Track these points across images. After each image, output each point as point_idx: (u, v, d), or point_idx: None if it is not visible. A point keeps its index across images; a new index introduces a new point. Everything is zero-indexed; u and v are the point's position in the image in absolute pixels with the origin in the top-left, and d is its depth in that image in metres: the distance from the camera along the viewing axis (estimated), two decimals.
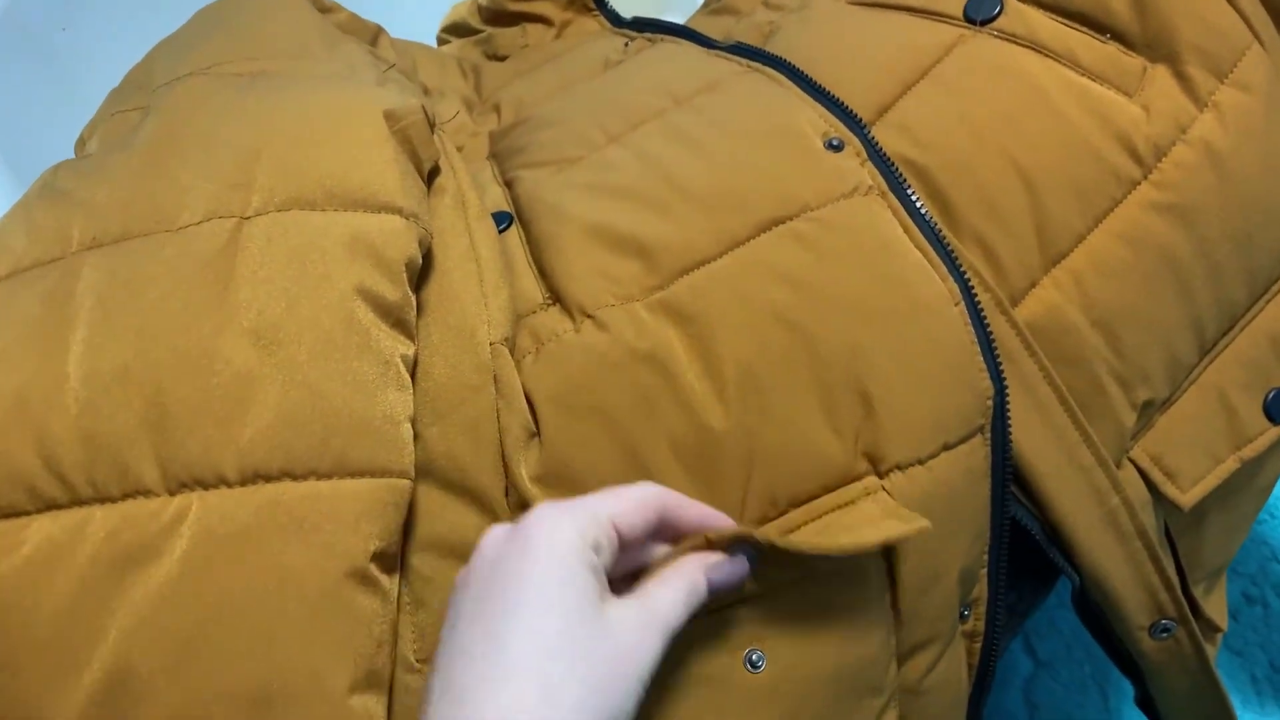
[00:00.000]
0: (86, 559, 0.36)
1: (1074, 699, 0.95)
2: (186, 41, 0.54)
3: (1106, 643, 0.57)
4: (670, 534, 0.40)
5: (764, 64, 0.54)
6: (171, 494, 0.37)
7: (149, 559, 0.36)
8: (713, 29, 0.64)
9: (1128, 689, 0.95)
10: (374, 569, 0.37)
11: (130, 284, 0.40)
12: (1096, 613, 0.54)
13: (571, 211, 0.48)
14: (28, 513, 0.37)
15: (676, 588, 0.37)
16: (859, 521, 0.43)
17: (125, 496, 0.37)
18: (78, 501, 0.37)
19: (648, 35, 0.64)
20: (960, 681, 0.51)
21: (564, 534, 0.35)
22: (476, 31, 0.75)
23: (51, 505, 0.37)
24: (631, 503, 0.37)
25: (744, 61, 0.54)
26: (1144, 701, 0.64)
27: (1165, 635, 0.54)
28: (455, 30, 0.76)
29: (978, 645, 0.52)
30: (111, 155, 0.45)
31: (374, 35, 0.66)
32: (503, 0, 0.73)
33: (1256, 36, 0.49)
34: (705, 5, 0.70)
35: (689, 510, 0.40)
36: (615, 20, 0.71)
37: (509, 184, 0.53)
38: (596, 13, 0.72)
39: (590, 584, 0.34)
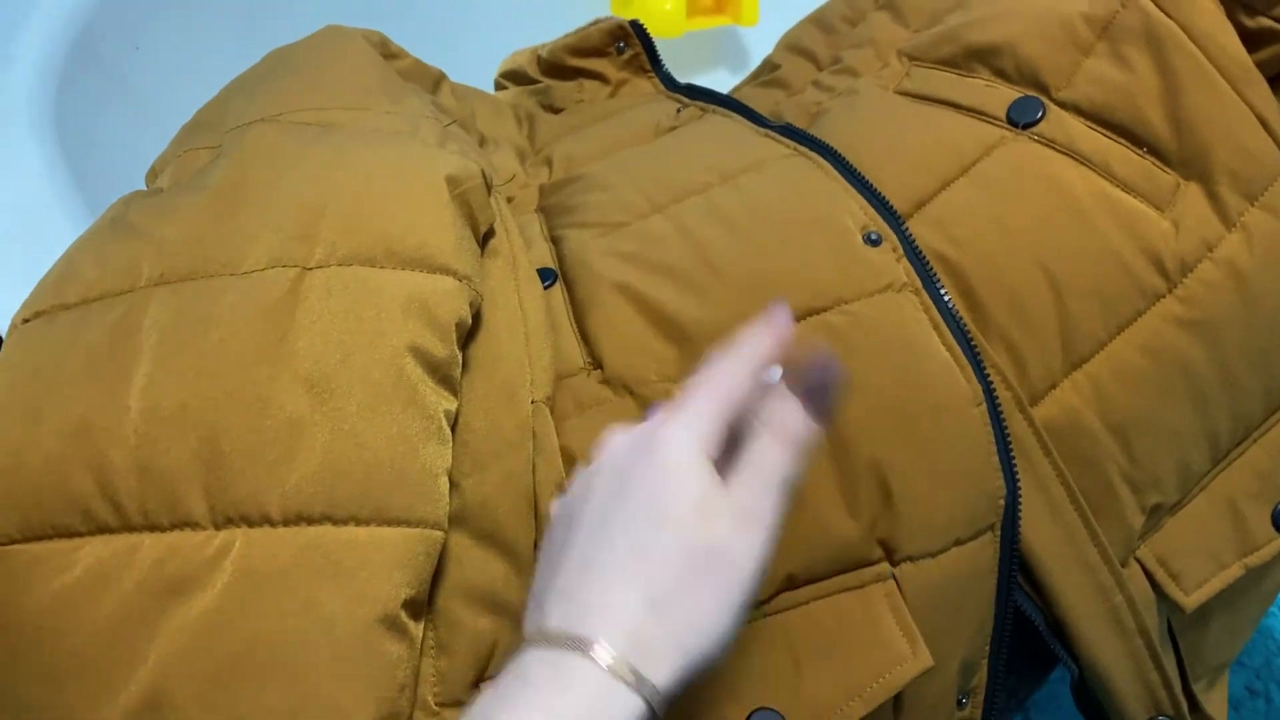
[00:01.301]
0: (133, 585, 0.38)
1: None
2: (257, 84, 0.56)
3: None
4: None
5: (810, 149, 0.55)
6: (218, 528, 0.39)
7: (192, 590, 0.38)
8: (762, 102, 0.66)
9: None
10: (403, 616, 0.39)
11: (194, 324, 0.42)
12: (1093, 703, 0.56)
13: (614, 280, 0.50)
14: (81, 534, 0.39)
15: (778, 446, 0.40)
16: (867, 630, 0.46)
17: (174, 527, 0.39)
18: (129, 528, 0.39)
19: (700, 105, 0.66)
20: None
21: (683, 444, 0.38)
22: (534, 81, 0.77)
23: (104, 529, 0.39)
24: (734, 391, 0.40)
25: (790, 144, 0.56)
26: None
27: None
28: (513, 77, 0.79)
29: None
30: (182, 195, 0.48)
31: (435, 82, 0.68)
32: (561, 55, 0.75)
33: None
34: (755, 75, 0.73)
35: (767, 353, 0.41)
36: (670, 84, 0.73)
37: (555, 241, 0.55)
38: (652, 74, 0.74)
39: (707, 482, 0.38)
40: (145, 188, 0.55)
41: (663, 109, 0.67)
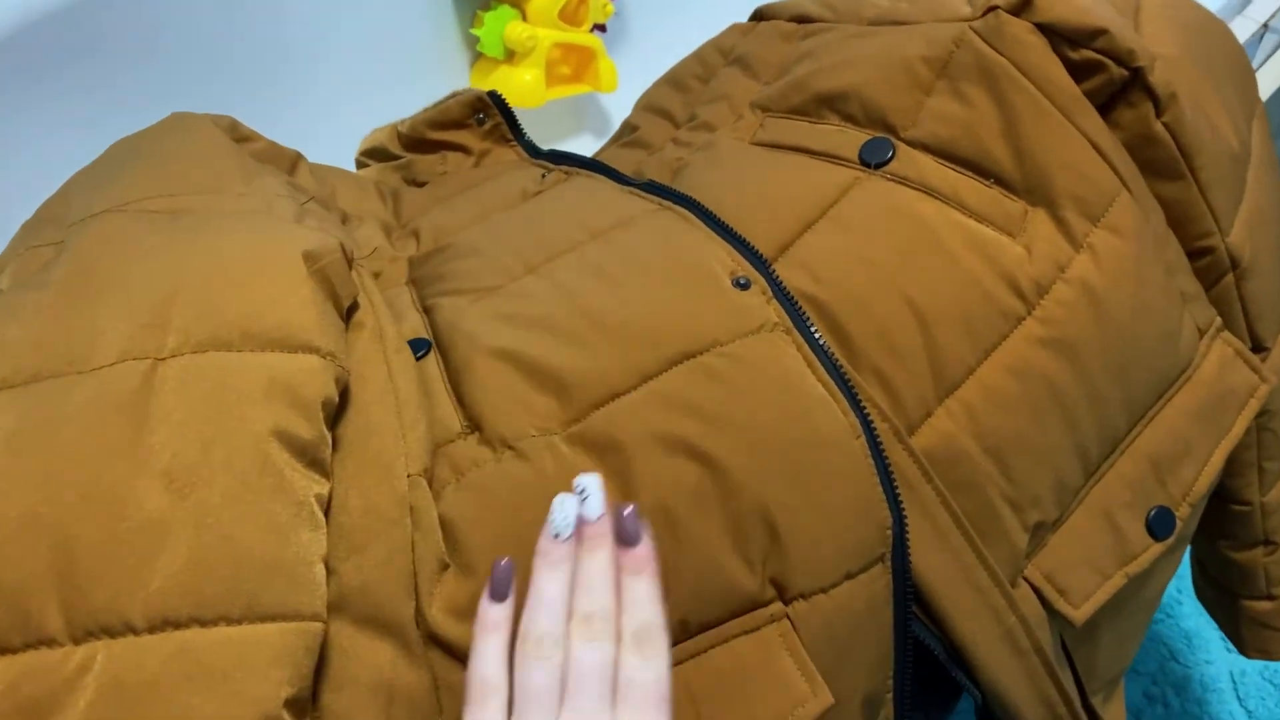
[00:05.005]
0: None
1: None
2: (103, 175, 0.54)
3: None
4: None
5: (674, 202, 0.56)
6: (77, 643, 0.37)
7: (51, 712, 0.36)
8: (625, 162, 0.67)
9: None
10: (286, 717, 0.37)
11: (41, 427, 0.40)
12: None
13: (490, 342, 0.49)
14: None
15: None
16: (766, 673, 0.45)
17: (28, 647, 0.36)
18: None
19: (564, 169, 0.66)
20: None
21: None
22: (396, 157, 0.76)
23: None
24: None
25: (656, 200, 0.57)
26: None
27: None
28: (374, 155, 0.78)
29: None
30: (24, 294, 0.45)
31: (292, 163, 0.67)
32: (422, 129, 0.75)
33: (1124, 184, 0.53)
34: (616, 137, 0.74)
35: None
36: (532, 151, 0.73)
37: (428, 310, 0.55)
38: (514, 143, 0.74)
39: None
40: None
41: (528, 175, 0.68)
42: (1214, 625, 1.06)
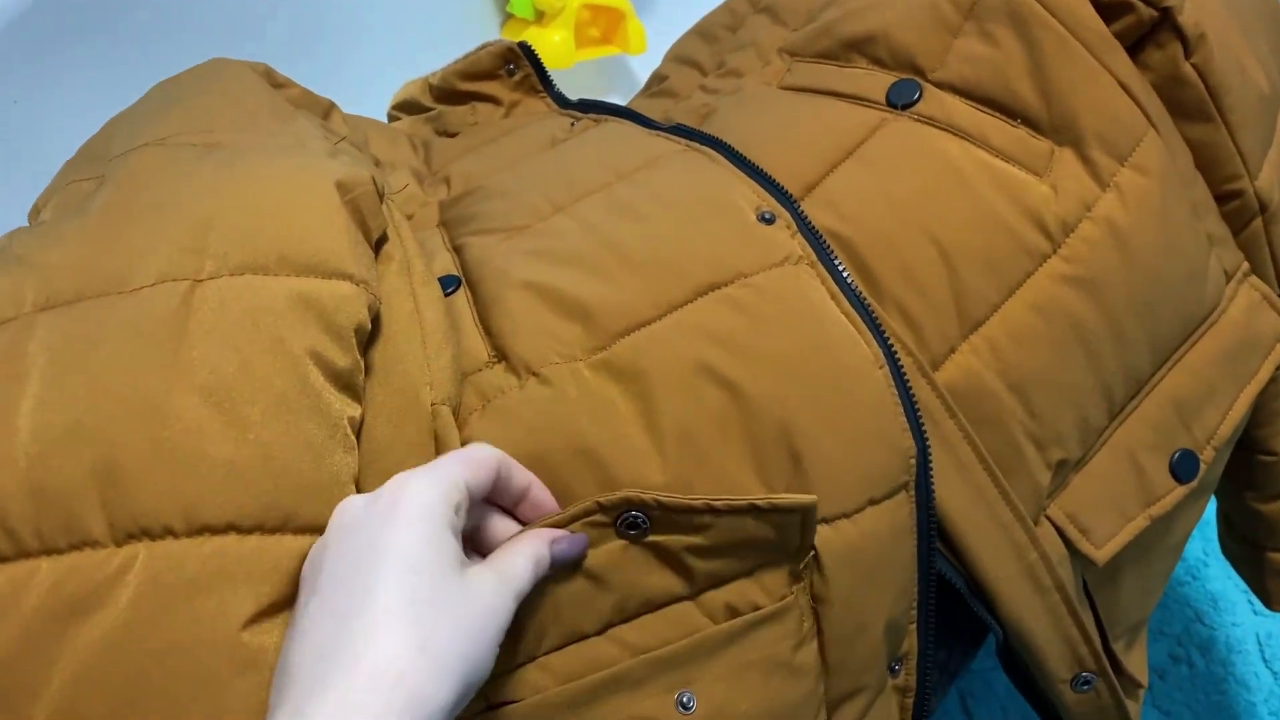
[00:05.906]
0: (31, 609, 0.37)
1: None
2: (142, 114, 0.56)
3: (1032, 696, 0.60)
4: (504, 497, 0.43)
5: (701, 143, 0.57)
6: (118, 545, 0.38)
7: (94, 608, 0.37)
8: (653, 110, 0.67)
9: None
10: None
11: (83, 342, 0.41)
12: (1021, 667, 0.57)
13: (517, 275, 0.50)
14: None
15: (526, 556, 0.40)
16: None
17: (72, 548, 0.38)
18: (24, 554, 0.38)
19: (593, 116, 0.67)
20: None
21: (427, 496, 0.37)
22: (427, 109, 0.77)
23: None
24: (480, 466, 0.40)
25: (683, 141, 0.57)
26: None
27: (1086, 688, 0.56)
28: (406, 108, 0.79)
29: (910, 700, 0.54)
30: (66, 221, 0.47)
31: (326, 110, 0.68)
32: (453, 80, 0.76)
33: (1152, 124, 0.53)
34: (646, 88, 0.74)
35: (519, 474, 0.43)
36: (562, 102, 0.74)
37: (458, 250, 0.55)
38: (544, 94, 0.75)
39: (452, 545, 0.37)
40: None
41: (557, 124, 0.68)
42: (1241, 588, 1.06)
